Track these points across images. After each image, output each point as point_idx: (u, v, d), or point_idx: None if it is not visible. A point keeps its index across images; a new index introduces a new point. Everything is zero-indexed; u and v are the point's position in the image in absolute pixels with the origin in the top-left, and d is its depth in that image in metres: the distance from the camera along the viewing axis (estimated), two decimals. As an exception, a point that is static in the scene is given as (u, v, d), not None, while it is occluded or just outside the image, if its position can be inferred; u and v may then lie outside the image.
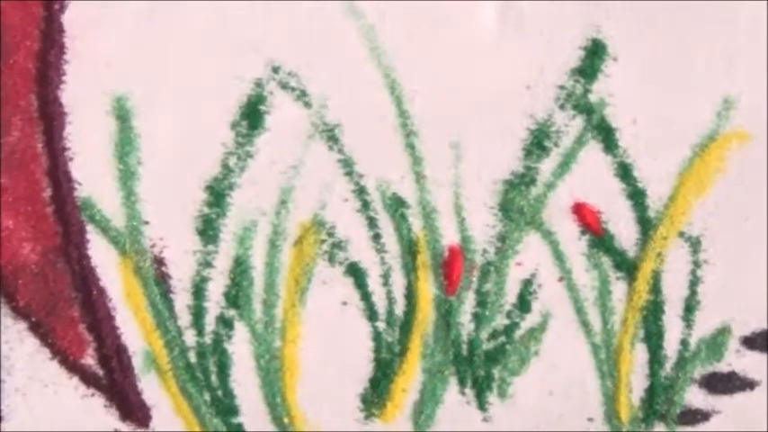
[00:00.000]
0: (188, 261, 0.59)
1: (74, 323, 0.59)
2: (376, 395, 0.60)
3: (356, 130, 0.58)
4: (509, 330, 0.60)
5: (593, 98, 0.58)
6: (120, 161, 0.58)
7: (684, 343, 0.60)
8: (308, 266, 0.59)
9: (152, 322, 0.59)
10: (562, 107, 0.58)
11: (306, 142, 0.58)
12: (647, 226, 0.59)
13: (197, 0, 0.57)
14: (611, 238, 0.59)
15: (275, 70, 0.58)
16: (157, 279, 0.59)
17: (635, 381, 0.60)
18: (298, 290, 0.59)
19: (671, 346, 0.60)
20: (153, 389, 0.60)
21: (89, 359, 0.59)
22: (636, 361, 0.60)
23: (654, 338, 0.60)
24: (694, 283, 0.59)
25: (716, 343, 0.60)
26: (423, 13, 0.57)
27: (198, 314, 0.59)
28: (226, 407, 0.60)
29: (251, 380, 0.60)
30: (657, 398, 0.60)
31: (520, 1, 0.57)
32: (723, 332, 0.60)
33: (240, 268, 0.59)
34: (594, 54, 0.58)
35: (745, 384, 0.60)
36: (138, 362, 0.59)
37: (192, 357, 0.60)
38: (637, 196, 0.59)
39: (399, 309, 0.60)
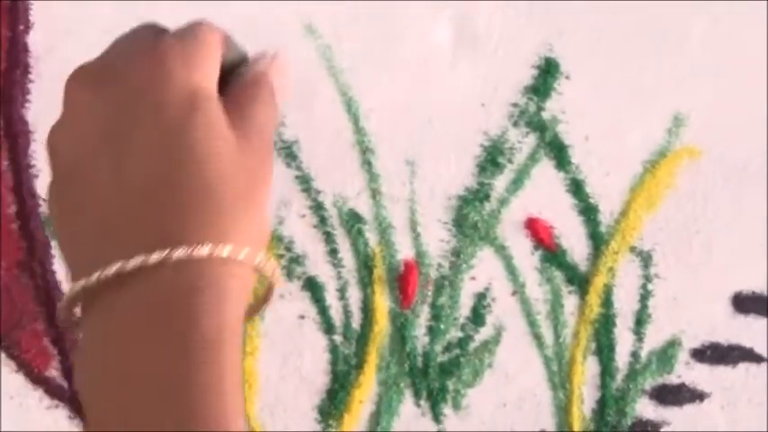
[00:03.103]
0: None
1: (38, 336, 0.60)
2: (333, 407, 0.61)
3: (313, 147, 0.59)
4: (463, 343, 0.61)
5: (545, 115, 0.59)
6: (84, 178, 0.59)
7: (635, 355, 0.61)
8: (267, 281, 0.60)
9: (114, 335, 0.60)
10: (516, 124, 0.59)
11: (265, 159, 0.59)
12: (598, 241, 0.60)
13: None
14: (564, 252, 0.60)
15: (235, 89, 0.59)
16: (120, 293, 0.60)
17: (587, 392, 0.61)
18: (256, 304, 0.60)
19: (622, 359, 0.61)
20: (115, 401, 0.61)
21: (53, 372, 0.61)
22: (588, 373, 0.61)
23: (605, 351, 0.61)
24: (645, 296, 0.60)
25: (666, 355, 0.61)
26: (379, 32, 0.59)
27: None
28: (186, 418, 0.61)
29: (211, 392, 0.61)
30: (609, 409, 0.61)
31: (475, 20, 0.59)
32: (673, 345, 0.61)
33: (200, 282, 0.60)
34: (547, 72, 0.59)
35: (695, 396, 0.61)
36: (100, 374, 0.61)
37: (154, 370, 0.61)
38: (589, 212, 0.60)
39: (356, 322, 0.61)
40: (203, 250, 0.38)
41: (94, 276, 0.38)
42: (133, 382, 0.37)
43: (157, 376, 0.37)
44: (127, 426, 0.37)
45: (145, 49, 0.42)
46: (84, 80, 0.42)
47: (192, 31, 0.43)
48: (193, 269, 0.38)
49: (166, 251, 0.37)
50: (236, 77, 0.46)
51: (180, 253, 0.37)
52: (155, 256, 0.37)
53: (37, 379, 0.61)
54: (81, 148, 0.41)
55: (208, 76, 0.42)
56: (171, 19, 0.58)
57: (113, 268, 0.37)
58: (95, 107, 0.41)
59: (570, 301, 0.61)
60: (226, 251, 0.38)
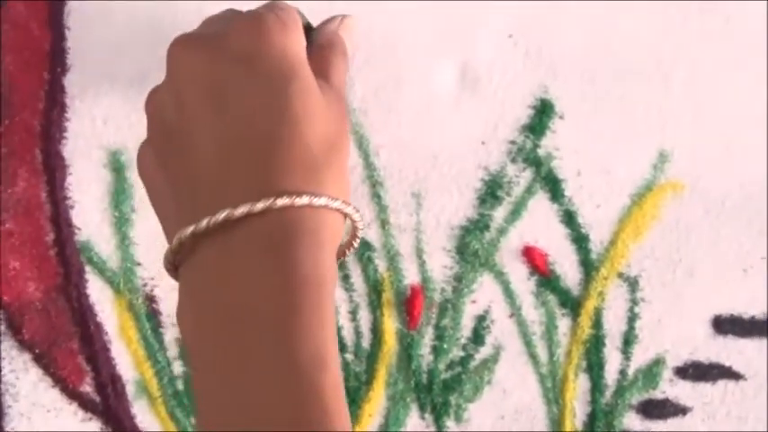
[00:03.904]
0: (176, 298, 0.62)
1: (73, 354, 0.64)
2: (345, 420, 0.65)
3: (328, 181, 0.63)
4: (465, 361, 0.64)
5: (541, 152, 0.63)
6: (116, 209, 0.63)
7: (623, 373, 0.65)
8: (284, 304, 0.63)
9: (144, 354, 0.64)
10: (513, 160, 0.63)
11: (282, 192, 0.62)
12: (589, 267, 0.64)
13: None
14: (558, 278, 0.64)
15: (255, 127, 0.62)
16: (149, 315, 0.64)
17: (578, 407, 0.65)
18: (275, 325, 0.63)
19: (611, 376, 0.65)
20: (144, 414, 0.64)
21: (87, 387, 0.64)
22: (579, 389, 0.65)
23: (595, 369, 0.64)
24: (632, 318, 0.64)
25: (651, 373, 0.64)
26: (388, 76, 0.62)
27: (185, 346, 0.64)
28: (210, 430, 0.64)
29: (232, 406, 0.64)
30: (599, 422, 0.65)
31: (476, 65, 0.62)
32: (658, 363, 0.64)
33: (223, 305, 0.63)
34: (543, 112, 0.63)
35: (678, 410, 0.65)
36: (131, 389, 0.64)
37: (180, 385, 0.64)
38: (580, 241, 0.64)
39: (366, 342, 0.64)
40: (303, 200, 0.41)
41: (203, 222, 0.40)
42: (237, 317, 0.39)
43: (260, 311, 0.39)
44: (228, 357, 0.39)
45: (245, 18, 0.44)
46: (186, 45, 0.44)
47: (278, 6, 0.46)
48: (294, 216, 0.40)
49: (271, 200, 0.40)
50: (310, 42, 0.49)
51: (283, 202, 0.40)
52: (260, 204, 0.40)
53: (72, 394, 0.64)
54: (183, 107, 0.43)
55: (300, 43, 0.45)
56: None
57: (222, 215, 0.40)
58: (197, 69, 0.43)
59: (563, 323, 0.64)
60: (323, 200, 0.41)
